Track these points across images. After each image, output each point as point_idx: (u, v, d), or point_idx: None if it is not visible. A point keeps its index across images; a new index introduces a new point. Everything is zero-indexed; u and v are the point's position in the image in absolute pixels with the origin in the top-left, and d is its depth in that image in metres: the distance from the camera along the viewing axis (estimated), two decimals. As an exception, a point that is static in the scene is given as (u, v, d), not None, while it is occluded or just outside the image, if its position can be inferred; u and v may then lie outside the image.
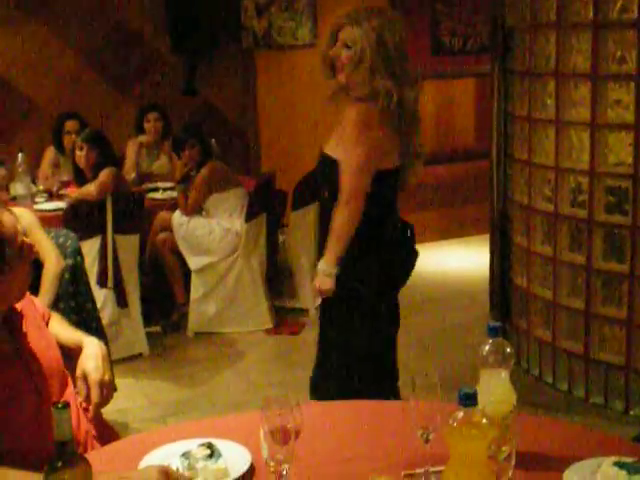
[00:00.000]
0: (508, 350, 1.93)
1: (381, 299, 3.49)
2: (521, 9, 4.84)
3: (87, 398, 2.25)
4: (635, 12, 4.19)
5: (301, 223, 6.14)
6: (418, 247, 3.59)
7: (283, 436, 1.79)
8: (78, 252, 4.10)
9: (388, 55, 3.28)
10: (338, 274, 3.31)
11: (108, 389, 2.28)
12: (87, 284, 4.23)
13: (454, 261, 7.60)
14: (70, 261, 4.00)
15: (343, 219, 3.28)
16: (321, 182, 3.51)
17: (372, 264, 3.39)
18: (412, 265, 3.59)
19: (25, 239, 2.19)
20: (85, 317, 4.12)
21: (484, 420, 1.67)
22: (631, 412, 4.47)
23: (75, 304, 4.05)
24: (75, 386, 2.33)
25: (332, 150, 3.38)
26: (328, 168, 3.38)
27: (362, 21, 3.28)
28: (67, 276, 3.97)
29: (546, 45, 4.63)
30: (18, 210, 3.19)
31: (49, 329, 2.44)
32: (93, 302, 4.27)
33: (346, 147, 3.30)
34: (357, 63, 3.28)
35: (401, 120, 3.37)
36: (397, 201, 3.52)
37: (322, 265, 3.31)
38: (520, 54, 4.91)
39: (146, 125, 6.72)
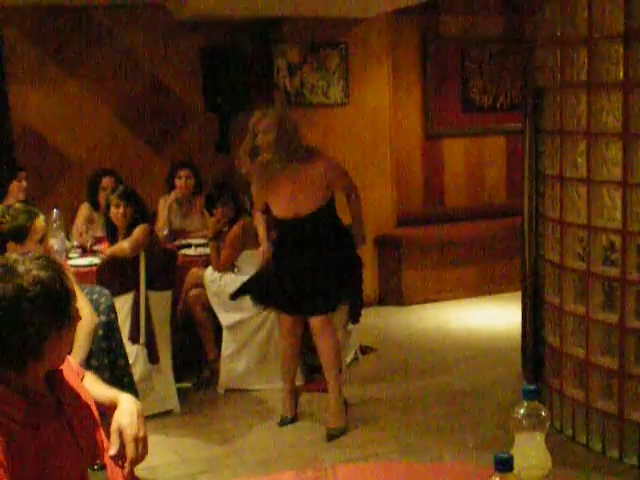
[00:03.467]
0: (543, 413, 1.92)
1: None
2: (551, 68, 4.88)
3: (121, 455, 2.25)
4: (665, 71, 4.22)
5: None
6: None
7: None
8: (111, 309, 4.13)
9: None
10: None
11: (143, 445, 2.28)
12: (120, 340, 4.26)
13: (486, 318, 7.56)
14: (104, 318, 4.03)
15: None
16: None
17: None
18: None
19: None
20: (117, 373, 4.14)
21: (520, 485, 1.66)
22: (667, 474, 4.40)
23: (108, 360, 4.08)
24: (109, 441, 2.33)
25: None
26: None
27: (271, 114, 4.88)
28: (100, 332, 4.01)
29: (577, 104, 4.66)
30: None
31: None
32: (125, 358, 4.29)
33: (339, 170, 5.10)
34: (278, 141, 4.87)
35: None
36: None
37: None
38: (551, 113, 4.93)
39: (177, 182, 6.79)
